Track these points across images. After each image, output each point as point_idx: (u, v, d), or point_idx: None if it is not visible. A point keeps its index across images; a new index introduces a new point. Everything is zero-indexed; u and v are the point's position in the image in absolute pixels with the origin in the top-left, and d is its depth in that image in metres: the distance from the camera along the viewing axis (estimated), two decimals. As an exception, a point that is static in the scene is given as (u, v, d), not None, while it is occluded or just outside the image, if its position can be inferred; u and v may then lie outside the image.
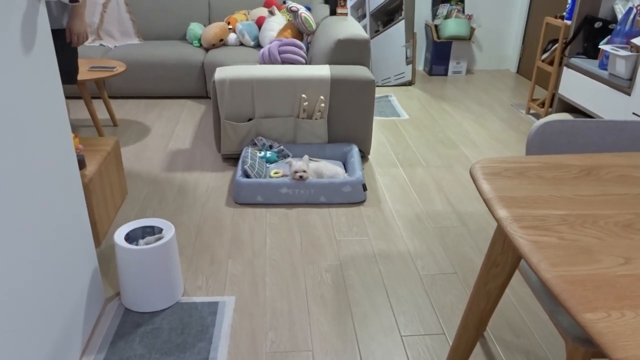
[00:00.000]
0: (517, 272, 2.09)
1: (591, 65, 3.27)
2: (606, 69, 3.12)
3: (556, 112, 3.64)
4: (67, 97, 3.83)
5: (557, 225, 1.00)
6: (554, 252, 0.91)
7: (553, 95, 3.72)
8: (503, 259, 1.30)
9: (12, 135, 1.26)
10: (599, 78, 3.15)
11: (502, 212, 1.03)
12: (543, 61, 3.84)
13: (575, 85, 3.39)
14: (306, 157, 2.66)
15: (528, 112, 4.01)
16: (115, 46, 4.27)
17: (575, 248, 0.92)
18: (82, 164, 2.17)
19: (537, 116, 3.95)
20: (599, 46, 3.14)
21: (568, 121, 1.45)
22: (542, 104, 3.90)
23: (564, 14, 3.65)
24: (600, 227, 0.99)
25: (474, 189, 2.81)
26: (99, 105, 3.97)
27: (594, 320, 0.75)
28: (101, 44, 4.32)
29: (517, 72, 5.20)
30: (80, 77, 3.15)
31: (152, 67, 4.01)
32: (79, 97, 4.10)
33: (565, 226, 0.99)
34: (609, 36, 3.20)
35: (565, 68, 3.50)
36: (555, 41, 3.78)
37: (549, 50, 3.81)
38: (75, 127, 3.59)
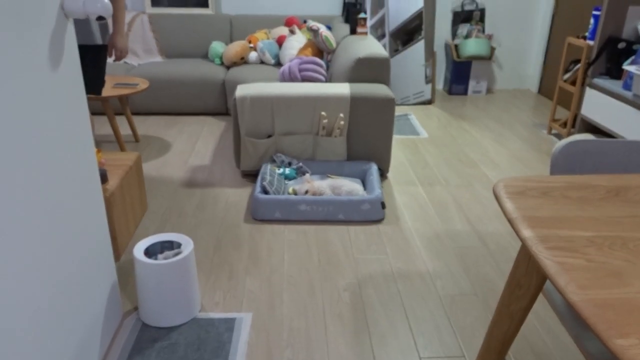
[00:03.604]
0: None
1: (615, 85, 3.23)
2: (630, 90, 3.08)
3: (579, 132, 3.59)
4: (91, 114, 3.90)
5: (585, 246, 0.97)
6: (582, 275, 0.88)
7: (575, 116, 3.67)
8: (527, 281, 1.27)
9: (38, 148, 1.28)
10: (623, 99, 3.10)
11: (527, 232, 1.01)
12: (565, 81, 3.80)
13: (598, 105, 3.35)
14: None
15: (550, 132, 3.96)
16: (139, 64, 4.35)
17: (604, 271, 0.90)
18: (104, 178, 2.20)
19: (559, 136, 3.90)
20: (623, 67, 3.10)
21: (593, 141, 1.42)
22: (564, 124, 3.85)
23: (586, 34, 3.62)
24: (629, 250, 0.96)
25: (493, 209, 2.77)
26: (121, 122, 4.03)
27: (626, 347, 0.72)
28: (125, 62, 4.41)
29: (538, 92, 5.15)
30: (104, 93, 3.21)
31: (174, 85, 4.07)
32: (103, 114, 4.17)
33: (593, 248, 0.96)
34: (633, 57, 3.15)
35: (588, 88, 3.46)
36: (577, 61, 3.75)
37: (571, 70, 3.77)
38: (98, 142, 3.65)
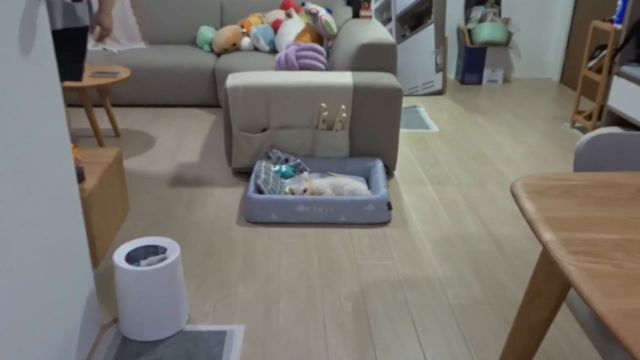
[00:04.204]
0: (561, 304, 2.03)
1: (644, 73, 3.22)
2: (661, 78, 3.07)
3: (605, 125, 3.59)
4: (67, 105, 3.90)
5: (611, 251, 0.96)
6: (609, 282, 0.87)
7: (601, 107, 3.67)
8: (548, 289, 1.27)
9: (5, 144, 1.27)
10: (652, 88, 3.09)
11: (548, 235, 1.00)
12: (590, 69, 3.80)
13: (627, 95, 3.34)
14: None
15: (573, 126, 3.96)
16: (120, 50, 4.35)
17: (633, 277, 0.89)
18: (80, 177, 2.19)
19: (584, 130, 3.89)
20: (653, 52, 3.09)
21: (620, 134, 1.42)
22: (589, 117, 3.84)
23: (614, 17, 3.62)
24: (661, 254, 0.95)
25: (510, 210, 2.77)
26: (100, 114, 4.02)
27: (658, 361, 0.71)
28: (104, 48, 4.40)
29: (560, 81, 5.15)
30: (81, 83, 3.20)
31: (159, 74, 4.06)
32: (80, 105, 4.16)
33: (621, 252, 0.96)
34: (664, 41, 3.15)
35: (615, 77, 3.45)
36: (603, 47, 3.74)
37: (596, 57, 3.77)
38: (75, 137, 3.65)
